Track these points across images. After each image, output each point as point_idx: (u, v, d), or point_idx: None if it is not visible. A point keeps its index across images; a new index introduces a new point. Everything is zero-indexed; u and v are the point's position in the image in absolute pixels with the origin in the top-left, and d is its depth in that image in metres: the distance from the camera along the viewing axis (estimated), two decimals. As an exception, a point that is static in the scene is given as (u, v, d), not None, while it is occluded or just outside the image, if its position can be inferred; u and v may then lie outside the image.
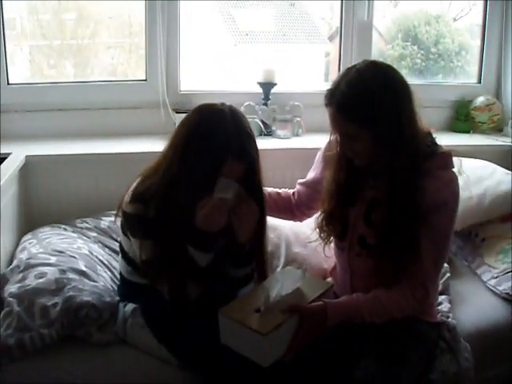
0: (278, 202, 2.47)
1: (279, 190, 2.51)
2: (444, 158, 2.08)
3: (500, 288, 2.57)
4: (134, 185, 2.10)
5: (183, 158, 1.99)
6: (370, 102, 1.94)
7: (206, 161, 1.96)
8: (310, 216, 2.47)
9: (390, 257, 2.05)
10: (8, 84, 3.11)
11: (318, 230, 2.27)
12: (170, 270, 2.05)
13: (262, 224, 2.17)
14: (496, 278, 2.62)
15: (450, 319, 2.34)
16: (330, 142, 2.23)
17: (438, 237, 2.04)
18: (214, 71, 3.48)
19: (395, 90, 1.98)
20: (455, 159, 2.10)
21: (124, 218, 2.13)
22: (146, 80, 3.29)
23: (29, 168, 2.82)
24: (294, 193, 2.51)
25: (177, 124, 3.13)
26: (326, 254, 2.32)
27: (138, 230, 2.07)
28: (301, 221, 2.55)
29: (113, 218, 2.74)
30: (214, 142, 1.96)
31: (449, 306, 2.45)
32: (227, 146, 1.97)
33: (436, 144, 2.11)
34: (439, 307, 2.40)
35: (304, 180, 2.47)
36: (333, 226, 2.22)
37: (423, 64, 4.00)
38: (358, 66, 2.01)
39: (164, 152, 2.09)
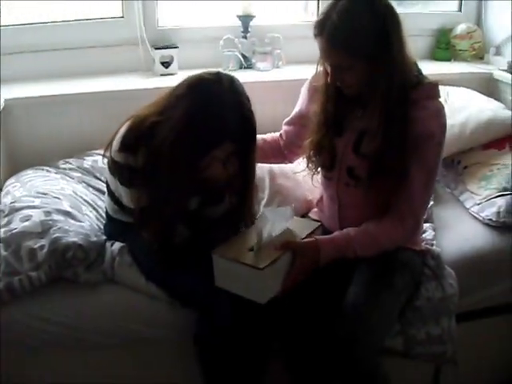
0: (265, 149, 2.45)
1: (264, 136, 2.49)
2: (431, 88, 2.08)
3: (482, 214, 2.59)
4: (123, 131, 2.05)
5: (178, 134, 1.93)
6: (362, 31, 1.92)
7: (200, 143, 1.94)
8: (300, 155, 2.42)
9: (379, 187, 2.07)
10: (-19, 26, 3.03)
11: (305, 160, 2.27)
12: (164, 216, 2.04)
13: (249, 176, 2.15)
14: (479, 204, 2.64)
15: (434, 247, 2.38)
16: (316, 73, 2.20)
17: (426, 167, 2.06)
18: (191, 6, 3.40)
19: (386, 19, 1.95)
20: (441, 88, 2.11)
21: (113, 165, 2.10)
22: (122, 17, 3.21)
23: (8, 111, 2.77)
24: (280, 134, 2.49)
25: (157, 62, 3.13)
26: (314, 185, 2.32)
27: (129, 179, 2.05)
28: (292, 162, 2.53)
29: (95, 158, 2.76)
30: (211, 128, 1.93)
31: (433, 233, 2.48)
32: (225, 134, 1.96)
33: (422, 74, 2.11)
34: (423, 235, 2.43)
35: (289, 118, 2.45)
36: (321, 157, 2.22)
37: (402, -7, 3.93)
38: None
39: (156, 110, 2.03)
